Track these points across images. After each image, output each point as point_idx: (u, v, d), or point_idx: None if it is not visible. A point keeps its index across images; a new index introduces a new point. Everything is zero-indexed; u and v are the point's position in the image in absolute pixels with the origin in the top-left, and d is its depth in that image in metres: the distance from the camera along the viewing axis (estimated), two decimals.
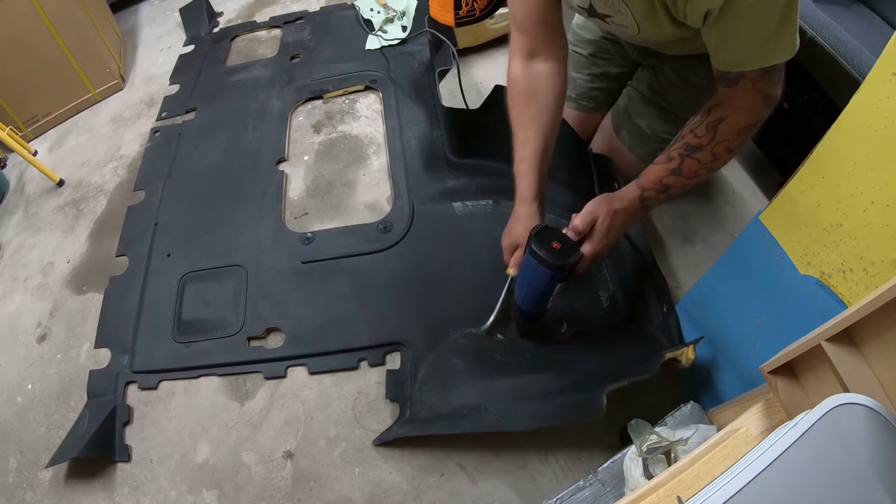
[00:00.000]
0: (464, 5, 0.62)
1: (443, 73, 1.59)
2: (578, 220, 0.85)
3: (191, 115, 1.73)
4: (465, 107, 1.44)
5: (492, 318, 1.08)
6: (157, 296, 1.28)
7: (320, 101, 1.68)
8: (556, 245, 0.84)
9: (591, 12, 0.88)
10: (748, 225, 0.83)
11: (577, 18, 1.23)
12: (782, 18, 0.69)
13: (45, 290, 1.39)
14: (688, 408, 0.88)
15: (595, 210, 0.85)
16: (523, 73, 0.93)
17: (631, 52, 1.13)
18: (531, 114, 0.92)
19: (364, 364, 1.13)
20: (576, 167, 1.20)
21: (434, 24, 1.65)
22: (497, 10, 0.65)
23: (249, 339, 1.18)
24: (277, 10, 2.10)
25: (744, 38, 0.72)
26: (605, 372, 1.00)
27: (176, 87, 1.86)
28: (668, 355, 0.87)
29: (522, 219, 0.94)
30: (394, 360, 1.13)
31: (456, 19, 0.62)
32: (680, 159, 0.83)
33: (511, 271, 0.98)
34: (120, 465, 1.08)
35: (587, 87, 1.24)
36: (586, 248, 0.86)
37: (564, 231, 0.87)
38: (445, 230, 1.28)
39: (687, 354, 0.87)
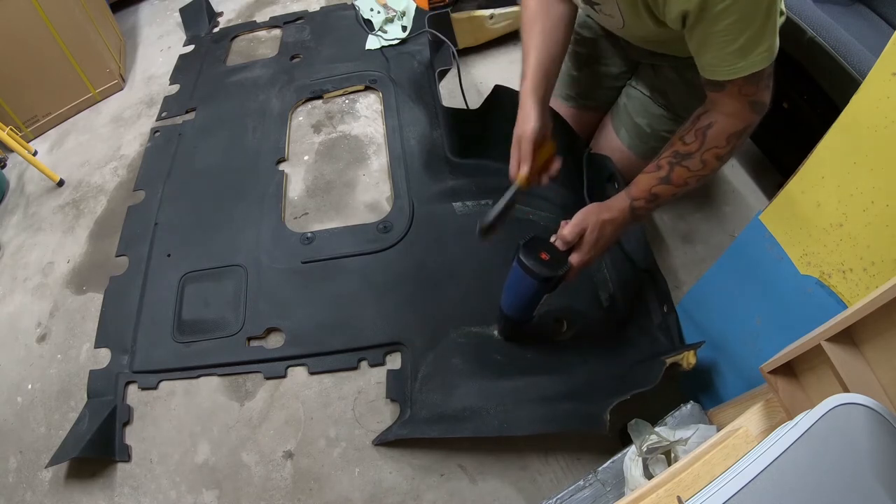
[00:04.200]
0: None
1: (443, 73, 1.59)
2: (567, 231, 0.85)
3: (191, 115, 1.73)
4: (465, 107, 1.44)
5: (489, 219, 0.91)
6: (157, 296, 1.28)
7: (320, 101, 1.68)
8: (544, 256, 0.84)
9: None
10: (748, 225, 0.83)
11: (577, 17, 1.23)
12: (761, 25, 0.68)
13: (45, 290, 1.39)
14: (688, 408, 0.88)
15: (584, 220, 0.85)
16: (538, 3, 0.94)
17: (630, 51, 1.13)
18: (540, 27, 0.93)
19: (364, 364, 1.13)
20: (575, 167, 1.20)
21: (434, 24, 1.65)
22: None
23: (249, 339, 1.18)
24: (277, 10, 2.10)
25: (721, 42, 0.71)
26: (607, 376, 1.00)
27: (176, 87, 1.86)
28: (669, 361, 0.87)
29: (519, 115, 0.93)
30: (394, 360, 1.13)
31: (430, 2, 0.65)
32: (669, 167, 0.83)
33: (518, 171, 0.92)
34: (120, 465, 1.08)
35: (587, 85, 1.24)
36: (574, 259, 0.85)
37: (552, 240, 0.87)
38: (445, 230, 1.28)
39: (688, 359, 0.87)
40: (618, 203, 0.87)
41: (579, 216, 0.86)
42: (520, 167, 0.92)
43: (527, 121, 0.91)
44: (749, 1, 0.66)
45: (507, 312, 0.98)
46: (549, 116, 0.94)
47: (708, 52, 0.75)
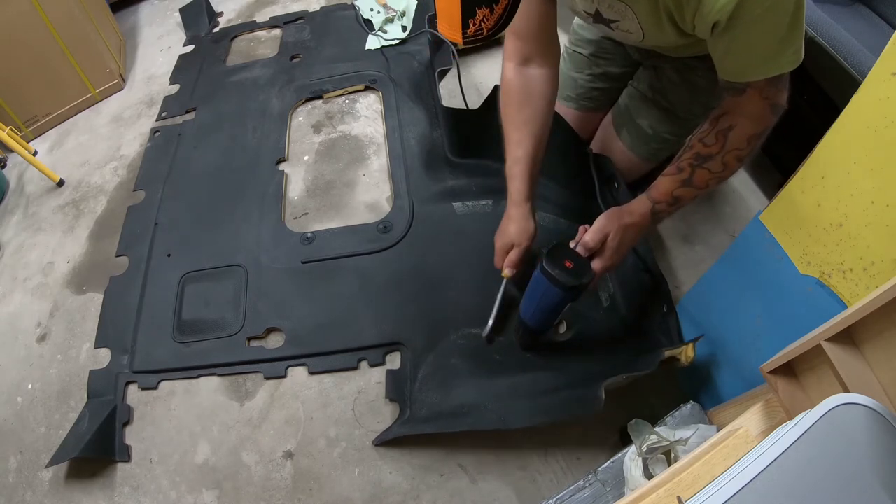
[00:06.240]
0: (471, 25, 0.63)
1: (443, 73, 1.59)
2: (589, 237, 0.84)
3: (191, 115, 1.73)
4: (465, 107, 1.44)
5: (490, 324, 1.07)
6: (157, 296, 1.28)
7: (320, 101, 1.68)
8: (568, 264, 0.82)
9: (596, 18, 0.87)
10: (748, 225, 0.83)
11: (578, 18, 1.23)
12: (788, 30, 0.68)
13: (45, 290, 1.39)
14: (688, 408, 0.88)
15: (606, 226, 0.84)
16: (518, 77, 0.93)
17: (632, 52, 1.13)
18: (525, 117, 0.93)
19: (364, 364, 1.13)
20: (576, 167, 1.20)
21: (434, 23, 1.65)
22: (504, 28, 0.66)
23: (249, 339, 1.18)
24: (277, 10, 2.10)
25: (750, 49, 0.71)
26: (605, 371, 1.00)
27: (176, 87, 1.86)
28: (668, 353, 0.87)
29: (515, 219, 0.94)
30: (394, 360, 1.13)
31: (464, 38, 0.63)
32: (690, 170, 0.82)
33: (506, 273, 0.97)
34: (120, 465, 1.08)
35: (588, 86, 1.24)
36: (596, 265, 0.85)
37: (572, 245, 0.86)
38: (445, 230, 1.28)
39: (686, 353, 0.87)
40: (639, 207, 0.87)
41: (601, 221, 0.85)
42: (508, 269, 0.96)
43: (523, 232, 0.93)
44: (778, 8, 0.66)
45: (528, 323, 0.96)
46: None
47: (733, 58, 0.74)
